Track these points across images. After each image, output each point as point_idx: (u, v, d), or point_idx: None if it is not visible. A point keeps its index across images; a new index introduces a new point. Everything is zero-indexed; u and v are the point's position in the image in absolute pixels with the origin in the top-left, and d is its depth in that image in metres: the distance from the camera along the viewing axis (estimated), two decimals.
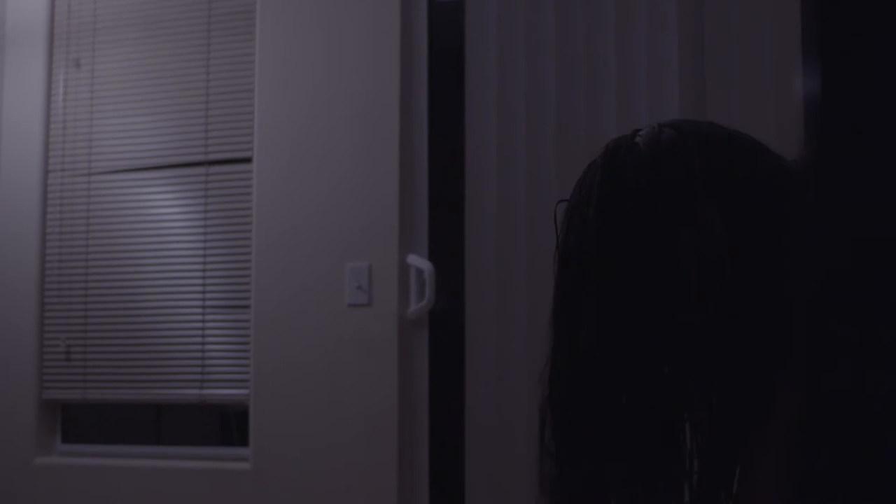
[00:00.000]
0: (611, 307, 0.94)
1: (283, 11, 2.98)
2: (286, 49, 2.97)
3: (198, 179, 3.07)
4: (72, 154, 3.21)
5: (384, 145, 2.83)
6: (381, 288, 2.79)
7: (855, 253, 0.84)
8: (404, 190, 2.82)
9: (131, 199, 3.14)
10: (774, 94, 2.51)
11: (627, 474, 0.94)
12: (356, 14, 2.90)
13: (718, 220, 0.93)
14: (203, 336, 3.01)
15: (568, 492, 0.97)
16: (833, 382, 0.83)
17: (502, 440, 2.64)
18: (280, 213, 2.92)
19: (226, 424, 3.11)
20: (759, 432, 0.91)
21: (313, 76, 2.93)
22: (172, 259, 3.06)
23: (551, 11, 2.70)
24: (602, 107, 2.63)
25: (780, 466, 0.88)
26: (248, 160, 3.01)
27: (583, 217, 0.98)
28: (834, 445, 0.82)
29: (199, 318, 3.02)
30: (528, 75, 2.71)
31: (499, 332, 2.67)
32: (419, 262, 2.79)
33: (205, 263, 3.03)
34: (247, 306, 2.96)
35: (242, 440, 2.97)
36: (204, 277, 3.03)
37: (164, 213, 3.10)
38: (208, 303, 3.02)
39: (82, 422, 3.24)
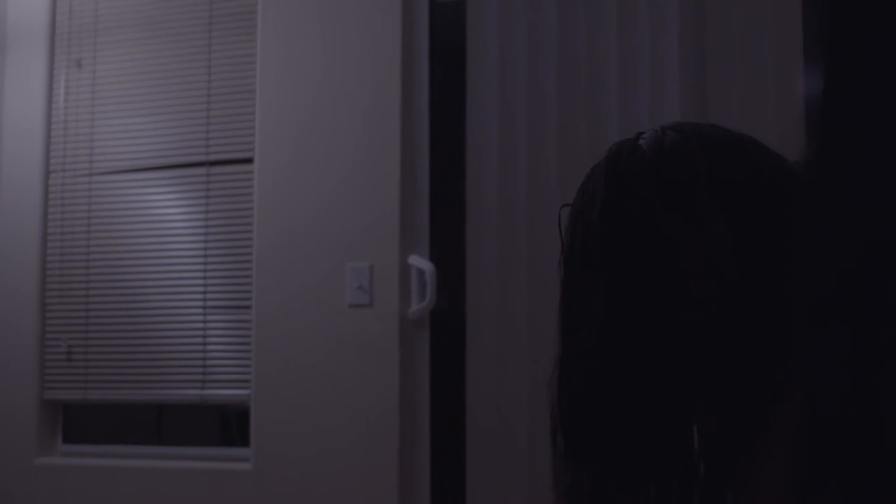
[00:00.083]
0: (616, 310, 0.95)
1: (285, 12, 2.98)
2: (287, 49, 2.97)
3: (199, 180, 3.07)
4: (73, 154, 3.21)
5: (385, 145, 2.83)
6: (382, 288, 2.79)
7: (856, 253, 0.84)
8: (405, 190, 2.82)
9: (132, 199, 3.14)
10: (775, 95, 2.52)
11: (637, 476, 0.94)
12: (357, 14, 2.90)
13: (722, 222, 0.93)
14: (204, 336, 3.02)
15: (579, 494, 0.97)
16: (834, 383, 0.83)
17: (503, 440, 2.65)
18: (281, 214, 2.92)
19: (227, 425, 3.12)
20: (761, 433, 0.91)
21: (314, 76, 2.93)
22: (173, 259, 3.07)
23: (552, 11, 2.70)
24: (603, 107, 2.64)
25: (783, 468, 0.88)
26: (249, 160, 3.01)
27: (587, 220, 0.98)
28: (835, 447, 0.83)
29: (201, 318, 3.02)
30: (529, 75, 2.71)
31: (500, 332, 2.67)
32: (420, 262, 2.79)
33: (206, 264, 3.03)
34: (248, 306, 2.96)
35: (243, 440, 2.98)
36: (205, 278, 3.03)
37: (166, 213, 3.10)
38: (209, 303, 3.02)
39: (83, 422, 3.24)
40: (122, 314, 3.10)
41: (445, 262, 2.79)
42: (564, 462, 0.98)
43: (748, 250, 0.93)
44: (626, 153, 0.99)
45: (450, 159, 2.82)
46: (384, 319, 2.78)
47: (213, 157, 3.06)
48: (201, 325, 3.02)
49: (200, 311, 3.02)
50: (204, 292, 3.03)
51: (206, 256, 3.03)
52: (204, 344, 3.01)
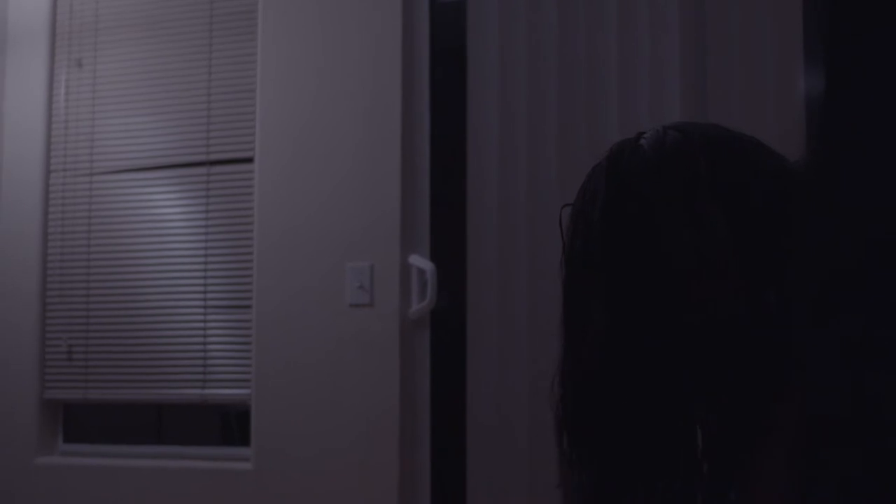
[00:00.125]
0: (617, 310, 0.95)
1: (285, 11, 2.98)
2: (288, 49, 2.97)
3: (199, 179, 3.07)
4: (73, 154, 3.21)
5: (386, 145, 2.83)
6: (382, 288, 2.79)
7: (856, 253, 0.84)
8: (406, 190, 2.82)
9: (133, 199, 3.14)
10: (775, 95, 2.52)
11: (640, 476, 0.95)
12: (358, 14, 2.90)
13: (723, 222, 0.93)
14: (204, 336, 3.02)
15: (584, 495, 0.97)
16: (834, 383, 0.83)
17: (503, 440, 2.65)
18: (282, 213, 2.92)
19: (227, 424, 3.12)
20: (761, 433, 0.91)
21: (315, 76, 2.94)
22: (174, 259, 3.07)
23: (552, 11, 2.70)
24: (603, 107, 2.64)
25: (783, 468, 0.89)
26: (249, 160, 3.01)
27: (588, 220, 0.98)
28: (836, 447, 0.83)
29: (201, 317, 3.02)
30: (529, 75, 2.71)
31: (500, 332, 2.68)
32: (421, 261, 2.79)
33: (206, 263, 3.03)
34: (248, 306, 2.96)
35: (244, 440, 2.98)
36: (205, 277, 3.03)
37: (166, 213, 3.10)
38: (210, 302, 3.02)
39: (84, 421, 3.24)
40: (123, 314, 3.11)
41: (446, 261, 2.79)
42: (569, 463, 0.99)
43: (749, 250, 0.93)
44: (628, 153, 0.99)
45: (450, 159, 2.82)
46: (385, 319, 2.78)
47: (213, 157, 3.06)
48: (202, 324, 3.02)
49: (201, 310, 3.03)
50: (204, 292, 3.03)
51: (206, 256, 3.04)
52: (204, 343, 3.02)
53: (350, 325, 2.81)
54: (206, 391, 3.00)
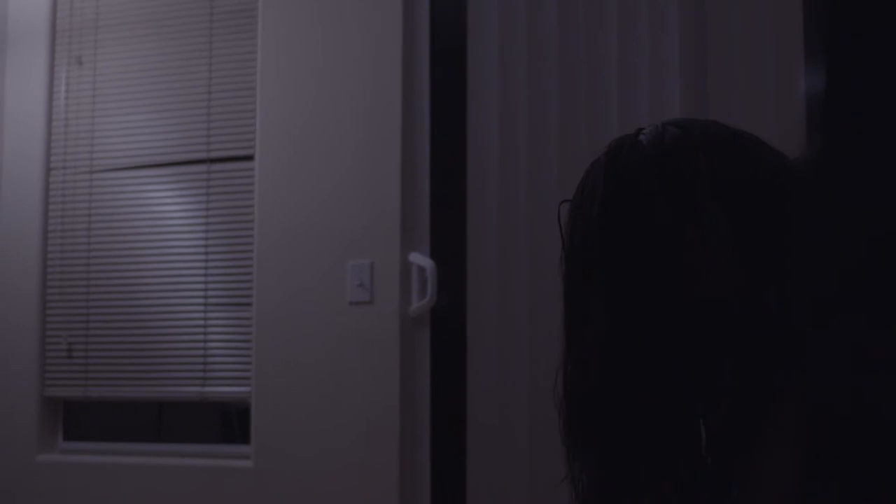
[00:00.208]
0: (617, 307, 0.94)
1: (285, 9, 2.98)
2: (288, 47, 2.97)
3: (200, 177, 3.07)
4: (74, 152, 3.21)
5: (386, 143, 2.83)
6: (382, 286, 2.79)
7: (856, 253, 0.84)
8: (406, 188, 2.82)
9: (133, 196, 3.14)
10: (776, 95, 2.52)
11: (642, 475, 0.95)
12: (358, 12, 2.90)
13: (723, 219, 0.93)
14: (205, 333, 3.02)
15: (588, 493, 0.97)
16: (834, 383, 0.83)
17: (503, 440, 2.65)
18: (282, 211, 2.93)
19: (227, 422, 3.12)
20: (761, 433, 0.91)
21: (315, 74, 2.94)
22: (174, 257, 3.07)
23: (552, 11, 2.70)
24: (603, 106, 2.64)
25: (783, 468, 0.89)
26: (250, 158, 3.02)
27: (586, 216, 0.98)
28: (835, 447, 0.83)
29: (201, 315, 3.02)
30: (529, 75, 2.71)
31: (500, 330, 2.68)
32: (421, 259, 2.79)
33: (206, 261, 3.04)
34: (248, 304, 2.97)
35: (244, 438, 2.98)
36: (206, 275, 3.03)
37: (166, 210, 3.11)
38: (210, 300, 3.03)
39: (84, 419, 3.24)
40: (123, 311, 3.11)
41: (446, 261, 2.79)
42: (574, 459, 0.99)
43: (749, 248, 0.93)
44: (627, 149, 0.99)
45: (450, 157, 2.82)
46: (385, 317, 2.78)
47: (213, 155, 3.06)
48: (202, 322, 3.02)
49: (201, 308, 3.03)
50: (205, 289, 3.03)
51: (206, 253, 3.04)
52: (205, 341, 3.02)
53: (350, 323, 2.81)
54: (207, 389, 3.00)
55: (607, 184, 0.97)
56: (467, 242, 2.75)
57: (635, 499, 0.95)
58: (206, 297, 3.03)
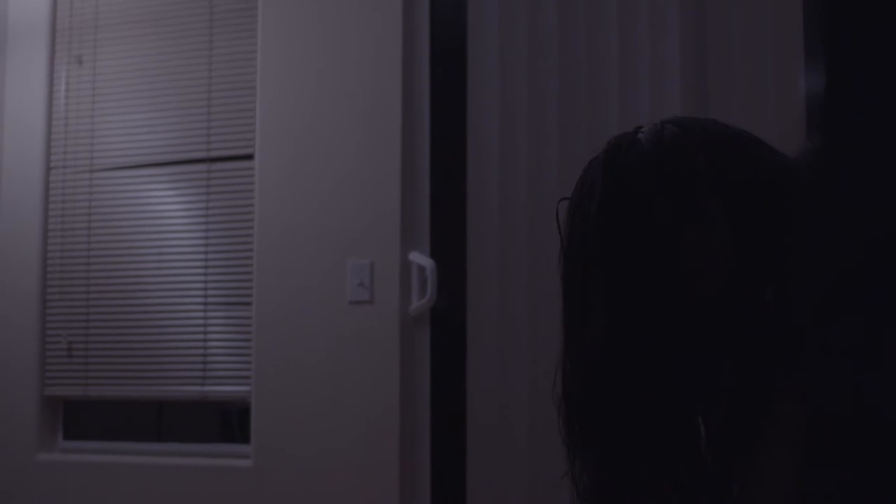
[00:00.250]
0: (616, 306, 0.94)
1: (286, 9, 2.98)
2: (288, 46, 2.97)
3: (200, 176, 3.07)
4: (74, 151, 3.21)
5: (386, 143, 2.83)
6: (382, 285, 2.79)
7: (856, 253, 0.84)
8: (406, 187, 2.82)
9: (133, 195, 3.14)
10: (776, 95, 2.52)
11: (642, 474, 0.94)
12: (358, 12, 2.90)
13: (722, 216, 0.93)
14: (205, 333, 3.02)
15: (589, 490, 0.97)
16: (834, 383, 0.83)
17: (503, 439, 2.65)
18: (282, 210, 2.93)
19: (227, 421, 3.12)
20: (761, 432, 0.91)
21: (315, 74, 2.94)
22: (174, 256, 3.07)
23: (552, 11, 2.70)
24: (603, 106, 2.64)
25: (783, 467, 0.89)
26: (250, 157, 3.02)
27: (585, 214, 0.98)
28: (835, 447, 0.83)
29: (201, 314, 3.02)
30: (529, 74, 2.71)
31: (500, 329, 2.68)
32: (421, 259, 2.79)
33: (206, 260, 3.04)
34: (248, 303, 2.97)
35: (244, 437, 2.98)
36: (206, 274, 3.03)
37: (166, 209, 3.11)
38: (210, 299, 3.03)
39: (84, 418, 3.24)
40: (123, 311, 3.11)
41: (446, 261, 2.79)
42: (575, 457, 0.98)
43: (749, 247, 0.93)
44: (625, 146, 0.98)
45: (450, 157, 2.82)
46: (385, 316, 2.78)
47: (213, 154, 3.06)
48: (202, 321, 3.02)
49: (201, 307, 3.03)
50: (204, 289, 3.03)
51: (206, 253, 3.04)
52: (204, 340, 3.02)
53: (350, 322, 2.81)
54: (206, 388, 3.00)
55: (606, 182, 0.97)
56: (467, 242, 2.75)
57: (635, 498, 0.95)
58: (206, 296, 3.03)
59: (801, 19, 2.50)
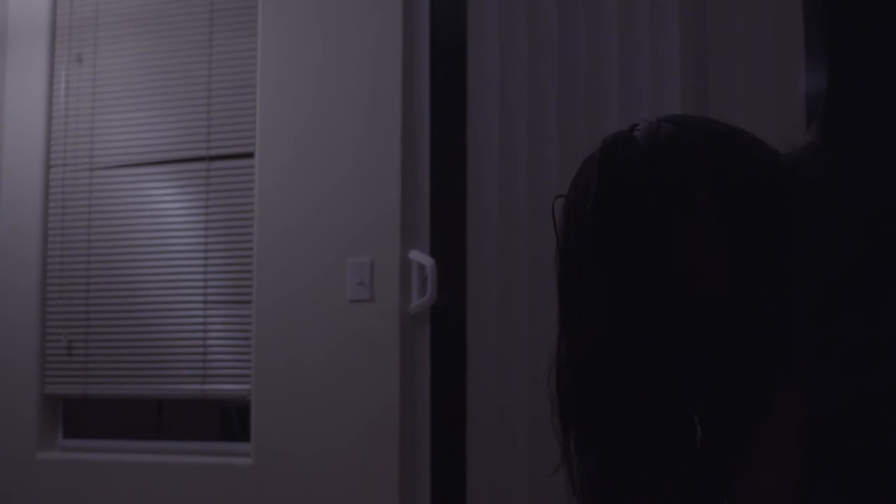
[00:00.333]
0: (613, 304, 0.94)
1: (286, 7, 2.98)
2: (288, 45, 2.97)
3: (199, 175, 3.07)
4: (73, 149, 3.21)
5: (386, 142, 2.83)
6: (382, 283, 2.79)
7: (856, 253, 0.84)
8: (406, 186, 2.82)
9: (133, 194, 3.14)
10: (776, 95, 2.52)
11: (640, 472, 0.94)
12: (358, 11, 2.90)
13: (720, 216, 0.93)
14: (205, 331, 3.02)
15: (588, 489, 0.97)
16: (834, 382, 0.83)
17: (503, 439, 2.65)
18: (282, 209, 2.93)
19: (227, 420, 3.12)
20: (758, 431, 0.91)
21: (315, 72, 2.94)
22: (174, 254, 3.07)
23: (553, 11, 2.70)
24: (603, 106, 2.64)
25: (782, 467, 0.89)
26: (250, 155, 3.02)
27: (580, 212, 0.97)
28: (835, 447, 0.83)
29: (201, 313, 3.03)
30: (529, 74, 2.71)
31: (500, 328, 2.68)
32: (421, 257, 2.79)
33: (206, 259, 3.04)
34: (248, 302, 2.97)
35: (244, 435, 2.98)
36: (205, 273, 3.03)
37: (166, 208, 3.11)
38: (210, 298, 3.03)
39: (84, 417, 3.24)
40: (123, 309, 3.11)
41: (446, 261, 2.79)
42: (570, 456, 0.98)
43: (747, 246, 0.93)
44: (621, 144, 0.98)
45: (450, 156, 2.82)
46: (385, 315, 2.78)
47: (213, 152, 3.06)
48: (202, 320, 3.02)
49: (201, 305, 3.03)
50: (204, 287, 3.03)
51: (206, 251, 3.04)
52: (204, 339, 3.02)
53: (350, 321, 2.81)
54: (206, 387, 3.00)
55: (601, 180, 0.96)
56: (467, 241, 2.75)
57: (635, 498, 0.95)
58: (205, 294, 3.03)
59: (801, 19, 2.50)
